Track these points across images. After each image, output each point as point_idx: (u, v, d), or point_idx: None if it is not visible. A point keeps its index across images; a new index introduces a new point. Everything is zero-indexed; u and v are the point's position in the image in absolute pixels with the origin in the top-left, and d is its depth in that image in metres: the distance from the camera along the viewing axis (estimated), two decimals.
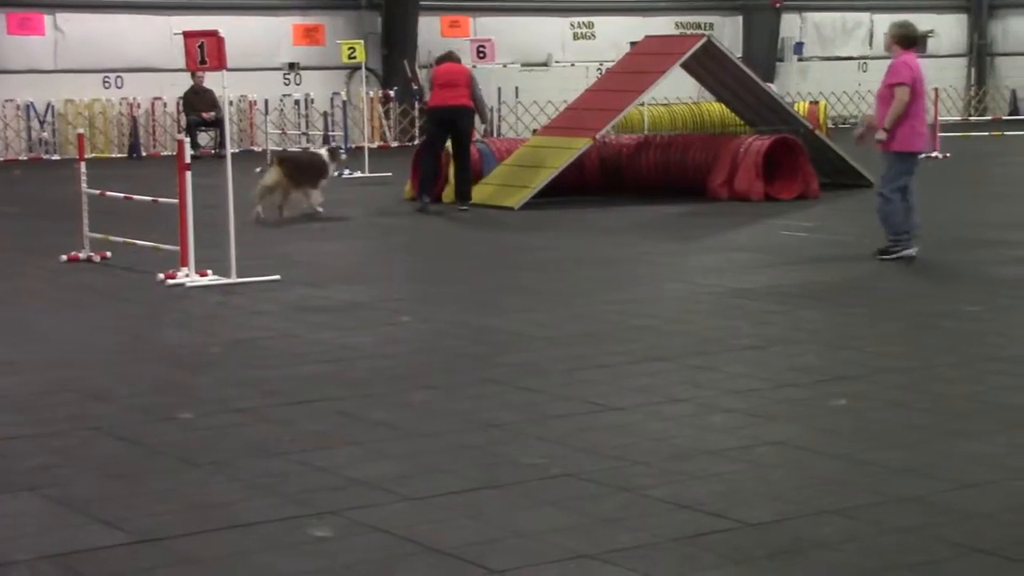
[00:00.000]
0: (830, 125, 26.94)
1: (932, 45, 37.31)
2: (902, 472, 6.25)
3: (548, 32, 32.04)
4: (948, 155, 24.16)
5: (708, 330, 9.65)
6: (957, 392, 7.75)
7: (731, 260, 12.96)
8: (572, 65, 31.12)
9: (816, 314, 10.45)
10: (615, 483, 6.11)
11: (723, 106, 20.74)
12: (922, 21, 36.82)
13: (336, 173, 22.03)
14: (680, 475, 6.24)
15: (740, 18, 34.47)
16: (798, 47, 34.94)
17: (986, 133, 28.17)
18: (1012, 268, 12.29)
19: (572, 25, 32.51)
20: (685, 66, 19.02)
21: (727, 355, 8.84)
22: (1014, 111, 35.43)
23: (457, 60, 17.93)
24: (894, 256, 12.52)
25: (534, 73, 31.07)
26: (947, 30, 37.59)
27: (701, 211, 17.06)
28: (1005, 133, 27.75)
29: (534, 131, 21.32)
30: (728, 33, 33.22)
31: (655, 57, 18.83)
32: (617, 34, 31.48)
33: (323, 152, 17.49)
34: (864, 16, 36.14)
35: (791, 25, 34.81)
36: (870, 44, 35.99)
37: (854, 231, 14.47)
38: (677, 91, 26.63)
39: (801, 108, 22.61)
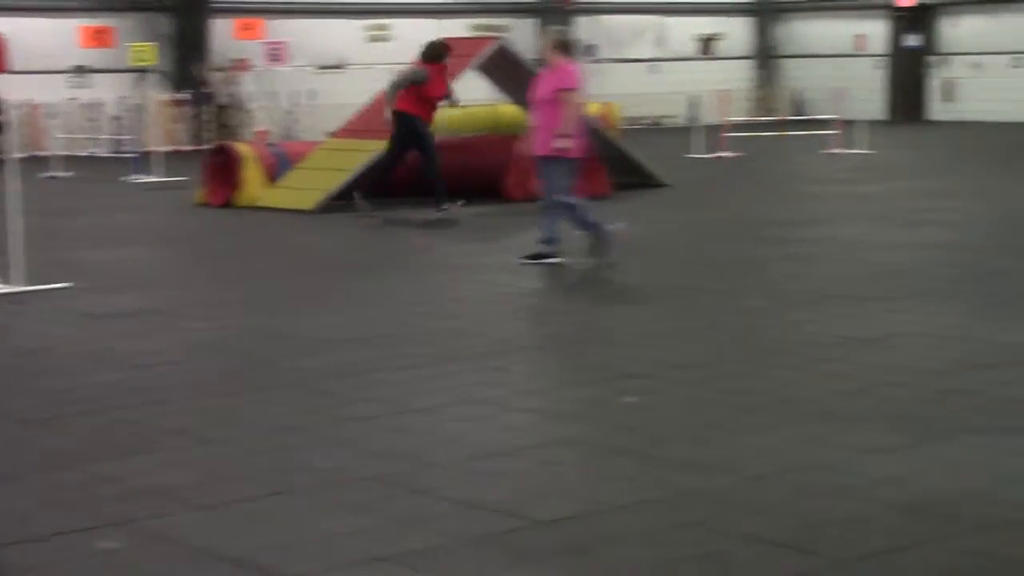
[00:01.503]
0: (624, 126, 27.34)
1: (722, 48, 38.25)
2: (691, 466, 6.39)
3: (343, 34, 31.93)
4: (737, 154, 24.79)
5: (504, 330, 9.74)
6: (744, 387, 7.94)
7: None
8: (368, 67, 31.07)
9: (610, 312, 10.61)
10: (409, 485, 6.14)
11: (518, 108, 20.85)
12: (711, 24, 38.03)
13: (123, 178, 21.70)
14: (473, 475, 6.29)
15: (534, 21, 34.76)
16: (591, 49, 35.39)
17: (772, 133, 28.86)
18: (794, 264, 12.62)
19: (367, 27, 32.44)
20: (480, 68, 19.11)
21: (522, 354, 8.93)
22: (798, 111, 36.36)
23: (423, 55, 17.03)
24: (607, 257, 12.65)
25: (329, 75, 30.93)
26: (735, 33, 38.52)
27: (497, 212, 17.18)
28: (789, 133, 28.47)
29: (330, 134, 21.19)
30: (523, 36, 33.49)
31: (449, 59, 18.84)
32: (412, 36, 31.50)
33: None
34: (655, 19, 36.82)
35: (584, 28, 35.23)
36: (660, 46, 36.71)
37: (643, 229, 14.73)
38: (475, 93, 26.73)
39: (594, 109, 22.86)
